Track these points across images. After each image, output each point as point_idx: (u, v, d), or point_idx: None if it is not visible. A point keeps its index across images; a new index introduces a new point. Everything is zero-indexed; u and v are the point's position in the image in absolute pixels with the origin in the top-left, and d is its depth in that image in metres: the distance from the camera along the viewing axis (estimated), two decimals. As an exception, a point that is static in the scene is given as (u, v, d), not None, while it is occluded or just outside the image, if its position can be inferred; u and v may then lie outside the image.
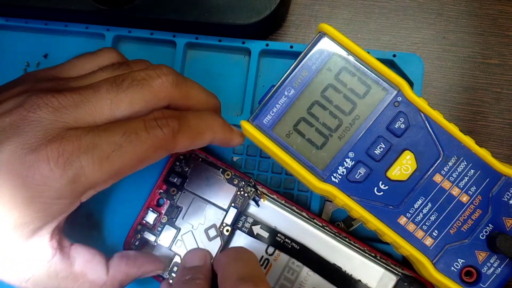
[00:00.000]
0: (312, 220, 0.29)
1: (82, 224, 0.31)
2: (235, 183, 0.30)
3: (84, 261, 0.24)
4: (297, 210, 0.29)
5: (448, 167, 0.25)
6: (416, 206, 0.25)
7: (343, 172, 0.25)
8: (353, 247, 0.28)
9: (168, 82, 0.23)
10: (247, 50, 0.34)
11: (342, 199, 0.25)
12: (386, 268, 0.28)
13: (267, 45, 0.33)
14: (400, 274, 0.28)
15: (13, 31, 0.38)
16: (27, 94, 0.21)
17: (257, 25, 0.32)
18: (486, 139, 0.33)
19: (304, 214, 0.29)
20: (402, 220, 0.25)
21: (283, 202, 0.29)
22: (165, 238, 0.29)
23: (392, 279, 0.28)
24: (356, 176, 0.25)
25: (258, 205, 0.29)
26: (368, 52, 0.26)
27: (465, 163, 0.25)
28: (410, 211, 0.25)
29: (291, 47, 0.33)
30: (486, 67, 0.33)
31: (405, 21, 0.34)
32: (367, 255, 0.28)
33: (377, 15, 0.35)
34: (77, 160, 0.20)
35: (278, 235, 0.29)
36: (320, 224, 0.28)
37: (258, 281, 0.22)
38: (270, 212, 0.29)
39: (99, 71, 0.24)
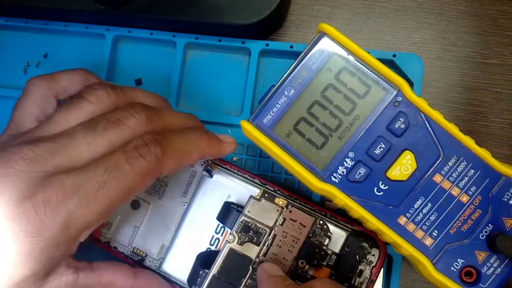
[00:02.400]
0: (264, 185, 0.29)
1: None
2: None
3: (111, 270, 0.24)
4: (249, 178, 0.29)
5: (448, 167, 0.25)
6: (416, 206, 0.25)
7: (343, 172, 0.25)
8: (304, 207, 0.28)
9: (142, 119, 0.23)
10: (247, 50, 0.34)
11: (342, 199, 0.25)
12: (336, 226, 0.28)
13: (267, 45, 0.33)
14: (349, 230, 0.28)
15: (13, 31, 0.38)
16: (1, 152, 0.21)
17: (257, 25, 0.32)
18: (486, 139, 0.33)
19: (256, 180, 0.29)
20: (402, 220, 0.25)
21: (235, 171, 0.30)
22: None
23: (342, 235, 0.28)
24: (356, 176, 0.25)
25: (211, 176, 0.30)
26: (368, 52, 0.26)
27: (465, 163, 0.25)
28: (410, 211, 0.25)
29: (291, 47, 0.33)
30: (486, 67, 0.33)
31: (405, 21, 0.34)
32: (317, 214, 0.28)
33: (377, 15, 0.35)
34: (64, 206, 0.20)
35: (231, 205, 0.29)
36: (272, 189, 0.29)
37: None
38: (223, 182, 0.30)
39: (57, 113, 0.24)
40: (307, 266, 0.27)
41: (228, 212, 0.29)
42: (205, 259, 0.28)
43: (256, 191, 0.29)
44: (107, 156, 0.22)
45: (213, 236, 0.30)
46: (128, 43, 0.36)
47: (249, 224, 0.27)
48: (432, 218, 0.25)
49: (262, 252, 0.27)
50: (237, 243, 0.27)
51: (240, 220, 0.27)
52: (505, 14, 0.34)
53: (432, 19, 0.34)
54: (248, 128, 0.26)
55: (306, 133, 0.26)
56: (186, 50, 0.35)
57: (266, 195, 0.28)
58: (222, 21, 0.32)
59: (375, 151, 0.25)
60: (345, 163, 0.25)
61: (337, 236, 0.28)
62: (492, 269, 0.25)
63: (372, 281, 0.28)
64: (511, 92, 0.33)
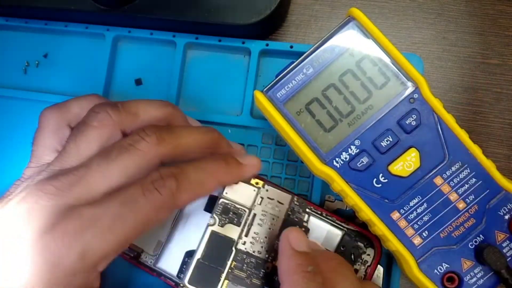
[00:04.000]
0: (256, 185, 0.29)
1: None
2: None
3: None
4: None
5: (451, 172, 0.25)
6: (411, 204, 0.25)
7: (345, 158, 0.25)
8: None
9: (153, 142, 0.23)
10: (247, 50, 0.34)
11: (340, 184, 0.25)
12: (331, 225, 0.28)
13: (267, 45, 0.33)
14: (345, 229, 0.28)
15: (13, 31, 0.38)
16: (28, 189, 0.23)
17: (257, 25, 0.32)
18: (486, 139, 0.33)
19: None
20: (395, 215, 0.25)
21: None
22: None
23: (337, 234, 0.28)
24: (358, 164, 0.25)
25: None
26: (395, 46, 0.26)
27: (468, 171, 0.25)
28: (404, 208, 0.25)
29: (291, 47, 0.33)
30: (486, 67, 0.33)
31: (405, 21, 0.34)
32: (313, 213, 0.28)
33: (377, 15, 0.35)
34: (81, 237, 0.21)
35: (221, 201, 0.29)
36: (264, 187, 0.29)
37: None
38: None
39: (67, 145, 0.24)
40: None
41: (213, 203, 0.29)
42: (192, 252, 0.28)
43: (250, 189, 0.29)
44: (124, 189, 0.22)
45: None
46: (128, 43, 0.36)
47: (228, 206, 0.28)
48: (425, 218, 0.25)
49: (243, 232, 0.27)
50: (218, 225, 0.27)
51: (219, 203, 0.27)
52: (505, 14, 0.34)
53: (432, 19, 0.34)
54: (261, 98, 0.26)
55: (316, 114, 0.26)
56: (186, 50, 0.35)
57: None
58: (222, 21, 0.32)
59: (382, 143, 0.25)
60: (349, 149, 0.25)
61: (333, 235, 0.28)
62: (475, 279, 0.25)
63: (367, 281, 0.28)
64: (511, 92, 0.33)
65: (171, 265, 0.29)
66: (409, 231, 0.25)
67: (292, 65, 0.26)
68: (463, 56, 0.34)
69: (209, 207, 0.29)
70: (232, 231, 0.27)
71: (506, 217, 0.25)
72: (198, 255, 0.27)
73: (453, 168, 0.25)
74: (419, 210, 0.25)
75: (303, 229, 0.28)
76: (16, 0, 0.35)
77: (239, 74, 0.34)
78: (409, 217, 0.25)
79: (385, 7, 0.35)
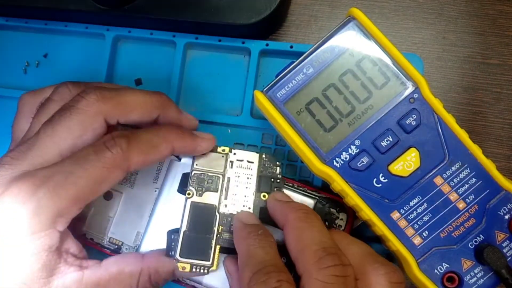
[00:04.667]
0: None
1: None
2: None
3: (119, 261, 0.25)
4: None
5: (451, 172, 0.25)
6: (411, 204, 0.25)
7: (346, 158, 0.25)
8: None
9: (92, 99, 0.25)
10: (247, 50, 0.34)
11: (340, 184, 0.25)
12: (303, 195, 0.29)
13: (267, 45, 0.33)
14: (317, 197, 0.29)
15: (13, 31, 0.38)
16: None
17: (257, 25, 0.32)
18: (486, 139, 0.33)
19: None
20: (395, 215, 0.25)
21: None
22: None
23: (310, 203, 0.29)
24: (358, 164, 0.25)
25: (179, 159, 0.30)
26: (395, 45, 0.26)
27: (468, 171, 0.25)
28: (404, 208, 0.25)
29: (291, 47, 0.33)
30: (486, 67, 0.33)
31: (405, 21, 0.34)
32: (285, 186, 0.29)
33: (377, 15, 0.35)
34: (35, 194, 0.22)
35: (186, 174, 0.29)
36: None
37: (340, 253, 0.22)
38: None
39: (33, 119, 0.26)
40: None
41: (185, 181, 0.29)
42: (176, 230, 0.28)
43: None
44: (78, 151, 0.23)
45: None
46: (128, 43, 0.36)
47: (202, 176, 0.28)
48: (425, 218, 0.25)
49: (222, 196, 0.28)
50: (197, 195, 0.27)
51: (192, 175, 0.28)
52: (505, 14, 0.34)
53: (432, 19, 0.34)
54: (261, 98, 0.26)
55: (316, 113, 0.26)
56: (186, 50, 0.35)
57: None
58: (222, 21, 0.32)
59: (382, 143, 0.25)
60: (349, 149, 0.25)
61: (306, 204, 0.28)
62: (475, 279, 0.25)
63: None
64: (511, 92, 0.33)
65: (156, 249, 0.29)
66: (409, 231, 0.25)
67: (292, 65, 0.26)
68: (463, 56, 0.34)
69: (182, 187, 0.29)
70: (211, 198, 0.28)
71: (506, 217, 0.25)
72: (183, 228, 0.27)
73: (453, 168, 0.25)
74: (419, 210, 0.25)
75: (278, 181, 0.28)
76: (16, 0, 0.35)
77: (239, 74, 0.34)
78: (409, 217, 0.25)
79: (385, 7, 0.35)
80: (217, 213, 0.27)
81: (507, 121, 0.33)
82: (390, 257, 0.30)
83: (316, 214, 0.25)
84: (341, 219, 0.28)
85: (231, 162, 0.28)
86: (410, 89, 0.25)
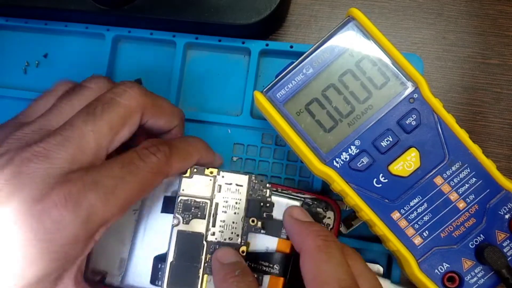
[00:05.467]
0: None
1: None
2: None
3: None
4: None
5: (451, 172, 0.25)
6: (411, 204, 0.25)
7: (346, 158, 0.25)
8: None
9: (135, 92, 0.24)
10: (247, 50, 0.34)
11: (340, 185, 0.25)
12: (289, 198, 0.28)
13: (267, 45, 0.33)
14: (302, 199, 0.28)
15: (13, 31, 0.38)
16: (12, 152, 0.21)
17: (257, 25, 0.32)
18: (486, 139, 0.33)
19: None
20: (396, 215, 0.25)
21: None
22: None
23: (295, 205, 0.28)
24: (358, 164, 0.25)
25: None
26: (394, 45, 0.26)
27: (468, 171, 0.25)
28: (404, 208, 0.25)
29: (291, 47, 0.33)
30: (486, 67, 0.33)
31: (405, 21, 0.34)
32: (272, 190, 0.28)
33: (377, 15, 0.35)
34: (85, 200, 0.20)
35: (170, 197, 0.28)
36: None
37: None
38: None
39: (59, 102, 0.24)
40: (258, 222, 0.27)
41: (169, 203, 0.28)
42: (162, 256, 0.27)
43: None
44: (121, 155, 0.23)
45: None
46: (128, 43, 0.36)
47: (188, 202, 0.27)
48: (426, 218, 0.25)
49: (210, 223, 0.27)
50: (183, 223, 0.27)
51: (178, 201, 0.27)
52: (505, 14, 0.34)
53: (432, 19, 0.34)
54: (260, 99, 0.26)
55: (316, 114, 0.26)
56: (186, 50, 0.35)
57: (195, 170, 0.27)
58: (222, 21, 0.32)
59: (382, 143, 0.25)
60: (349, 150, 0.25)
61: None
62: (475, 278, 0.25)
63: None
64: (511, 92, 0.33)
65: (141, 277, 0.28)
66: (410, 231, 0.25)
67: (292, 65, 0.26)
68: (463, 56, 0.34)
69: (166, 208, 0.28)
70: (198, 226, 0.27)
71: (507, 216, 0.25)
72: (170, 258, 0.26)
73: (453, 168, 0.25)
74: (419, 210, 0.25)
75: (268, 204, 0.27)
76: (16, 0, 0.35)
77: (239, 74, 0.34)
78: (409, 217, 0.25)
79: (385, 7, 0.35)
80: (204, 242, 0.26)
81: (507, 121, 0.33)
82: (390, 257, 0.31)
83: (336, 241, 0.24)
84: (329, 218, 0.28)
85: (219, 185, 0.27)
86: (410, 89, 0.25)
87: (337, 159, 0.25)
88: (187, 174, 0.27)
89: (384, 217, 0.25)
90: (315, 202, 0.28)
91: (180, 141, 0.26)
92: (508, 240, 0.25)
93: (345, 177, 0.25)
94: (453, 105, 0.33)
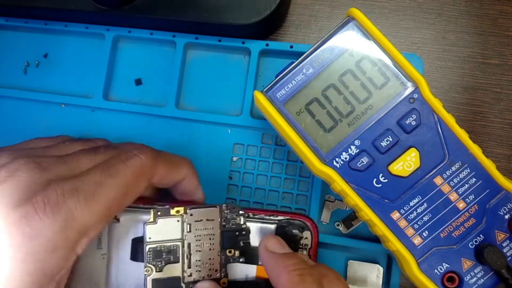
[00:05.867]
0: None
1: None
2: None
3: None
4: (136, 206, 0.27)
5: (451, 172, 0.25)
6: (411, 204, 0.25)
7: (345, 158, 0.25)
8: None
9: (149, 159, 0.24)
10: (247, 50, 0.34)
11: (340, 184, 0.25)
12: (262, 223, 0.27)
13: (267, 45, 0.33)
14: (276, 221, 0.27)
15: (13, 31, 0.38)
16: (11, 158, 0.22)
17: (257, 25, 0.32)
18: (486, 139, 0.33)
19: (144, 206, 0.27)
20: (395, 215, 0.25)
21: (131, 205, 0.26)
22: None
23: (271, 229, 0.27)
24: (358, 164, 0.25)
25: (118, 220, 0.27)
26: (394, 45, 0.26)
27: (468, 171, 0.25)
28: (404, 208, 0.25)
29: (291, 47, 0.33)
30: (486, 67, 0.33)
31: (405, 21, 0.34)
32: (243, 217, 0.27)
33: (377, 15, 0.35)
34: (64, 205, 0.20)
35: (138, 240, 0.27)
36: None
37: None
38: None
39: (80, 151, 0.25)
40: (236, 252, 0.26)
41: (138, 247, 0.27)
42: None
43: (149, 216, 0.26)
44: (104, 161, 0.23)
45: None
46: (128, 43, 0.36)
47: (158, 249, 0.25)
48: (426, 218, 0.25)
49: (185, 265, 0.25)
50: (156, 271, 0.25)
51: (147, 250, 0.25)
52: (505, 14, 0.34)
53: (432, 19, 0.34)
54: (261, 99, 0.26)
55: (316, 114, 0.26)
56: (186, 50, 0.35)
57: (159, 213, 0.26)
58: (222, 21, 0.32)
59: (382, 143, 0.25)
60: (349, 150, 0.25)
61: (267, 232, 0.27)
62: (475, 278, 0.25)
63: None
64: (511, 92, 0.33)
65: None
66: (409, 231, 0.25)
67: (292, 65, 0.26)
68: (463, 56, 0.34)
69: (135, 255, 0.27)
70: (173, 270, 0.25)
71: (506, 216, 0.25)
72: None
73: (453, 168, 0.25)
74: (419, 210, 0.25)
75: (243, 232, 0.26)
76: (16, 0, 0.35)
77: (239, 74, 0.34)
78: (409, 217, 0.25)
79: (385, 7, 0.35)
80: (182, 284, 0.25)
81: (507, 121, 0.33)
82: (390, 257, 0.31)
83: (312, 273, 0.22)
84: (306, 238, 0.27)
85: (189, 224, 0.26)
86: (410, 89, 0.25)
87: (337, 159, 0.25)
88: (151, 219, 0.25)
89: (384, 217, 0.25)
90: (290, 225, 0.27)
91: (169, 152, 0.26)
92: (507, 240, 0.25)
93: (345, 177, 0.25)
94: (453, 105, 0.33)
